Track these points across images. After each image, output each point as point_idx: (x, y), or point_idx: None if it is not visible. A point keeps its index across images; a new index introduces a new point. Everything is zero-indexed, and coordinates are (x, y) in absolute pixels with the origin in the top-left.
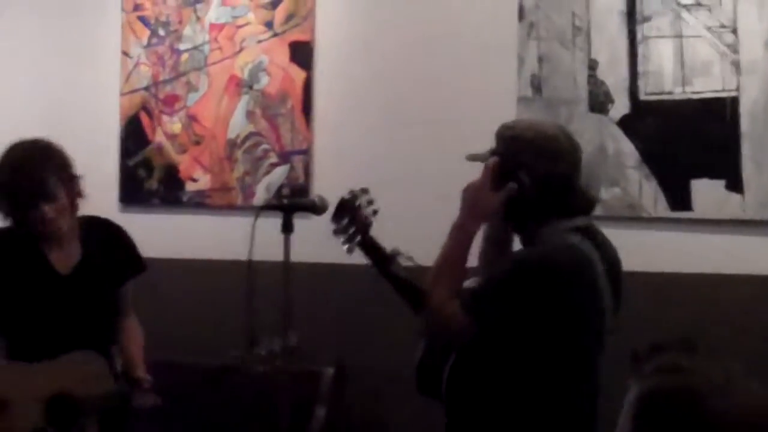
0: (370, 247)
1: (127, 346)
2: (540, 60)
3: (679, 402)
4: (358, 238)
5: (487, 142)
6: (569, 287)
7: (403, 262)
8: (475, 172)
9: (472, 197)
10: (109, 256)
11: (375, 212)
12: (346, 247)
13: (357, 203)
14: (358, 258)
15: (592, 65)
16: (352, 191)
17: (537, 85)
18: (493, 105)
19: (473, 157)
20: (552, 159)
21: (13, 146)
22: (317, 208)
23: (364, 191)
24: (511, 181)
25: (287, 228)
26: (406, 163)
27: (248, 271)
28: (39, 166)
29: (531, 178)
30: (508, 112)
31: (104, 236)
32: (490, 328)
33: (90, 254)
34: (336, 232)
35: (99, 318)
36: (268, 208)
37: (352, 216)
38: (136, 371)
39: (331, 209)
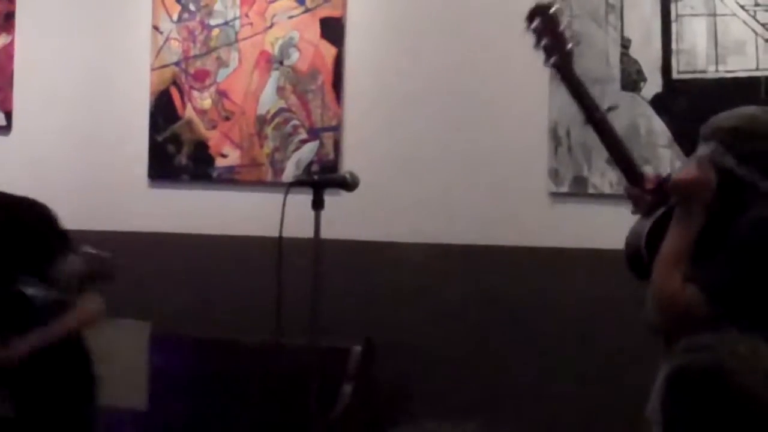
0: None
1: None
2: (573, 37)
3: (707, 378)
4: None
5: (518, 121)
6: None
7: None
8: (502, 149)
9: (688, 189)
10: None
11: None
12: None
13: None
14: (388, 235)
15: (625, 43)
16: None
17: None
18: (525, 83)
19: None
20: (749, 137)
21: None
22: (348, 185)
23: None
24: (717, 169)
25: (318, 204)
26: (436, 141)
27: (278, 247)
28: None
29: (734, 159)
30: (540, 91)
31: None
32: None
33: None
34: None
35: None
36: (298, 184)
37: (546, 26)
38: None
39: (364, 186)
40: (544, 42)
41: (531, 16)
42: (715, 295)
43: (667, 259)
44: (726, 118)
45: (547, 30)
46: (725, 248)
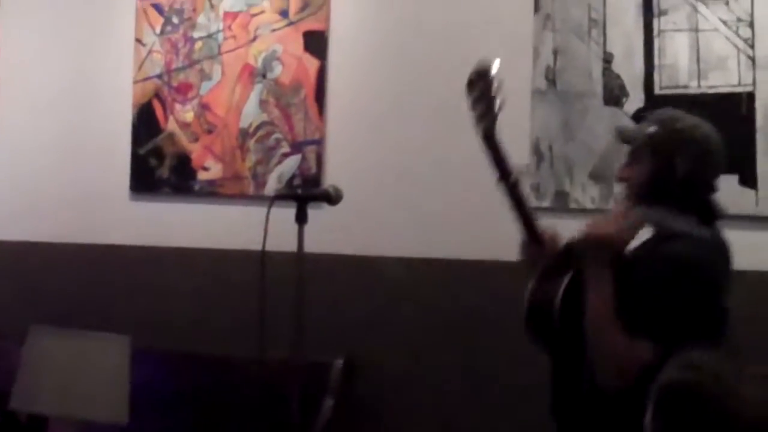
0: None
1: None
2: (555, 52)
3: (689, 397)
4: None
5: (501, 136)
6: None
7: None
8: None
9: (598, 243)
10: None
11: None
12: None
13: (491, 77)
14: (371, 249)
15: (608, 58)
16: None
17: (552, 78)
18: (508, 97)
19: (624, 134)
20: (710, 166)
21: None
22: (332, 198)
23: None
24: (666, 162)
25: (301, 218)
26: (418, 154)
27: (262, 261)
28: None
29: (685, 168)
30: (522, 104)
31: None
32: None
33: None
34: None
35: None
36: (282, 197)
37: (483, 91)
38: None
39: (347, 200)
40: (478, 109)
41: (471, 84)
42: (659, 338)
43: (604, 321)
44: (694, 126)
45: (483, 96)
46: (647, 290)
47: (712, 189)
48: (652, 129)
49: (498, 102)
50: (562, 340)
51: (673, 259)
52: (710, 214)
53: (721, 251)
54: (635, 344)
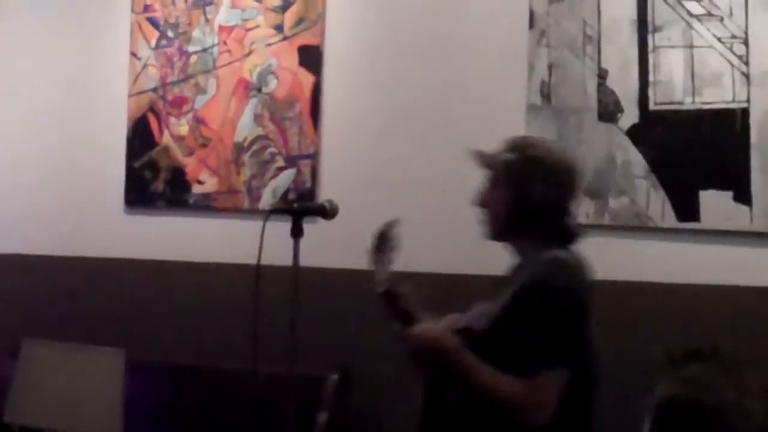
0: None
1: None
2: (550, 68)
3: (690, 413)
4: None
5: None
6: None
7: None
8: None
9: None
10: None
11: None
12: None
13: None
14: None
15: (602, 74)
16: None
17: (546, 93)
18: (502, 112)
19: (482, 158)
20: (565, 189)
21: None
22: (327, 213)
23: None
24: (524, 188)
25: (297, 232)
26: (413, 169)
27: (256, 274)
28: None
29: (542, 194)
30: (517, 120)
31: None
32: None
33: None
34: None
35: None
36: (278, 211)
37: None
38: None
39: (341, 214)
40: (376, 268)
41: (374, 244)
42: (555, 363)
43: (490, 390)
44: (548, 152)
45: (381, 255)
46: (524, 328)
47: (567, 212)
48: (507, 156)
49: (391, 262)
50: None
51: (538, 286)
52: (568, 236)
53: (581, 272)
54: (535, 381)
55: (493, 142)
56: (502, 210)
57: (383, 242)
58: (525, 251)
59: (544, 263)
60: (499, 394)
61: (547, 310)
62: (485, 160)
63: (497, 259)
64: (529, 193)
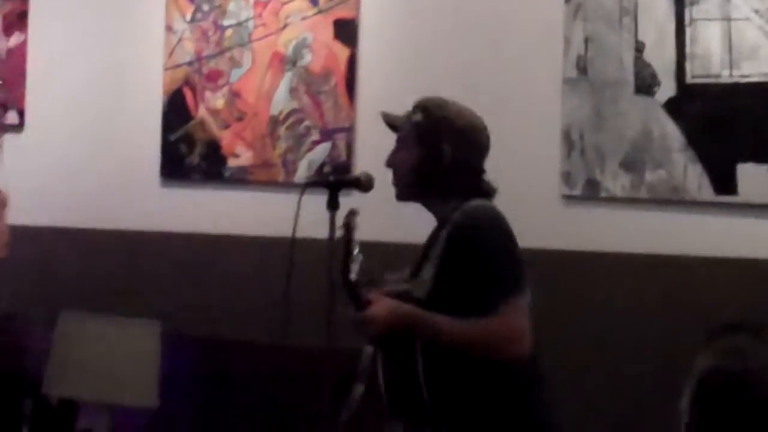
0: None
1: None
2: (586, 41)
3: (734, 385)
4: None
5: (531, 124)
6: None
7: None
8: (514, 151)
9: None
10: None
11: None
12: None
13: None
14: (401, 236)
15: (639, 47)
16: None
17: (582, 67)
18: (539, 86)
19: (390, 119)
20: (474, 149)
21: None
22: (363, 185)
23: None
24: (433, 149)
25: (333, 205)
26: None
27: (291, 247)
28: None
29: (451, 154)
30: (553, 94)
31: None
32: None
33: None
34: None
35: None
36: (314, 184)
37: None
38: None
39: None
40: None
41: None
42: (511, 292)
43: (464, 337)
44: (457, 114)
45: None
46: (471, 269)
47: (479, 171)
48: (416, 117)
49: (354, 250)
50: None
51: (468, 228)
52: (482, 195)
53: (500, 213)
54: (503, 313)
55: (530, 116)
56: (408, 170)
57: (349, 232)
58: (439, 211)
59: (464, 212)
60: (477, 339)
61: (486, 246)
62: (391, 120)
63: (534, 232)
64: (438, 153)
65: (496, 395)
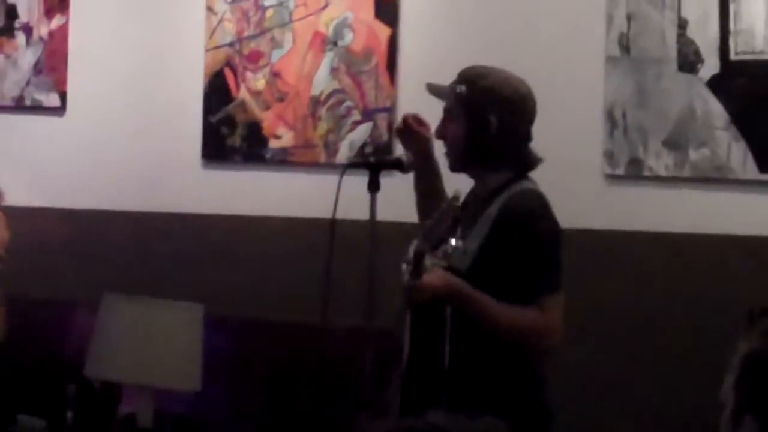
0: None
1: None
2: (628, 18)
3: None
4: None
5: (574, 103)
6: None
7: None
8: (556, 130)
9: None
10: None
11: None
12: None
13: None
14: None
15: (682, 24)
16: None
17: (625, 45)
18: (580, 64)
19: (435, 90)
20: (521, 117)
21: None
22: (404, 166)
23: None
24: (479, 120)
25: (373, 186)
26: None
27: (331, 229)
28: None
29: (498, 124)
30: (595, 72)
31: None
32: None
33: None
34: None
35: None
36: (354, 165)
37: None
38: None
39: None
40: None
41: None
42: (554, 288)
43: (506, 322)
44: (502, 82)
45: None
46: (518, 259)
47: (527, 138)
48: (460, 88)
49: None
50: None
51: (521, 216)
52: (528, 163)
53: (549, 203)
54: (542, 307)
55: (572, 95)
56: (459, 141)
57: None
58: (486, 181)
59: (517, 195)
60: (519, 327)
61: (539, 237)
62: (436, 91)
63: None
64: (484, 123)
65: (513, 377)
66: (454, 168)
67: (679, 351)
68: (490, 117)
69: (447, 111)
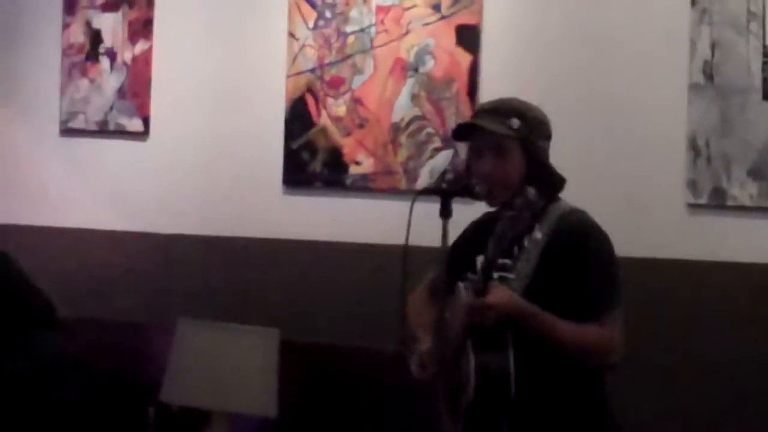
0: None
1: None
2: (713, 46)
3: None
4: None
5: (656, 131)
6: None
7: None
8: (638, 159)
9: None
10: None
11: None
12: None
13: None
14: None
15: (767, 52)
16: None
17: (709, 73)
18: (664, 92)
19: (489, 126)
20: (549, 139)
21: None
22: (476, 194)
23: None
24: (534, 150)
25: (445, 212)
26: (570, 150)
27: (404, 255)
28: None
29: (543, 153)
30: (679, 100)
31: None
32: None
33: None
34: None
35: None
36: (426, 192)
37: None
38: None
39: None
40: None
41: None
42: (617, 304)
43: (575, 341)
44: (537, 109)
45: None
46: (585, 274)
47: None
48: (514, 123)
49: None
50: None
51: (580, 234)
52: (559, 183)
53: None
54: (605, 324)
55: (656, 122)
56: (516, 176)
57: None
58: (520, 204)
59: (566, 215)
60: (584, 344)
61: (597, 254)
62: (493, 127)
63: (659, 241)
64: (537, 153)
65: (577, 396)
66: (503, 203)
67: (760, 384)
68: (540, 144)
69: (495, 148)
